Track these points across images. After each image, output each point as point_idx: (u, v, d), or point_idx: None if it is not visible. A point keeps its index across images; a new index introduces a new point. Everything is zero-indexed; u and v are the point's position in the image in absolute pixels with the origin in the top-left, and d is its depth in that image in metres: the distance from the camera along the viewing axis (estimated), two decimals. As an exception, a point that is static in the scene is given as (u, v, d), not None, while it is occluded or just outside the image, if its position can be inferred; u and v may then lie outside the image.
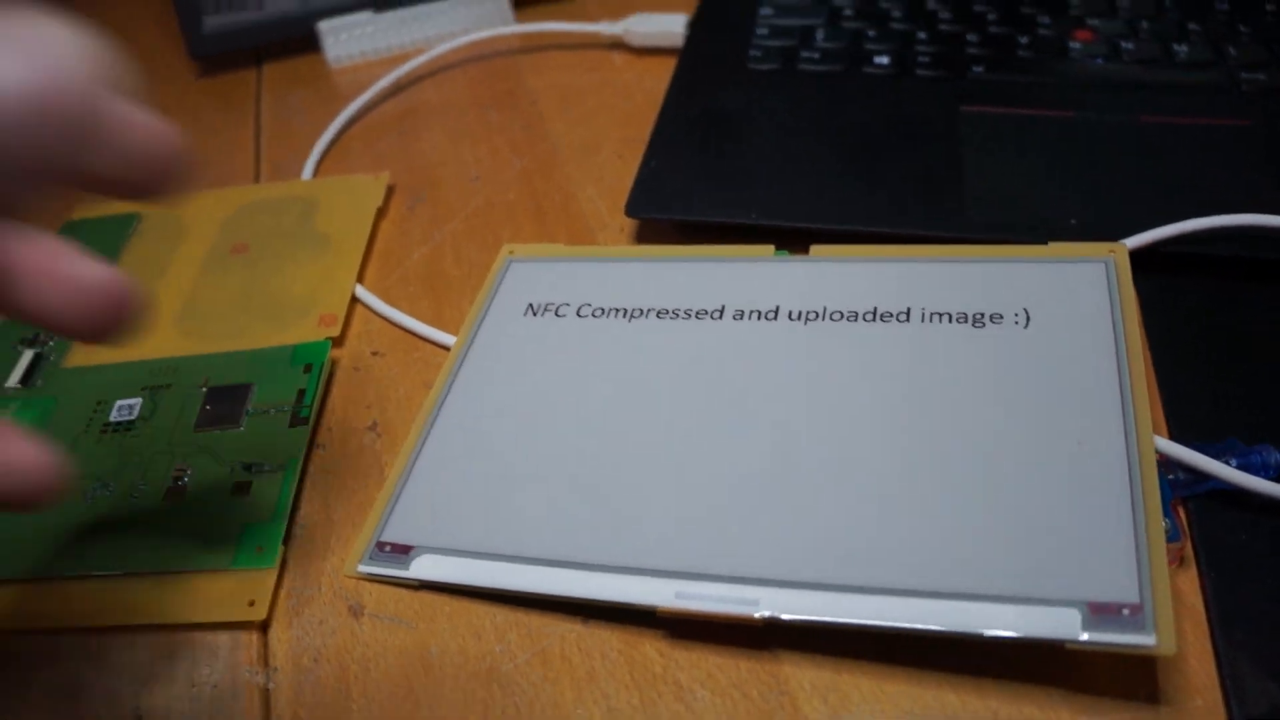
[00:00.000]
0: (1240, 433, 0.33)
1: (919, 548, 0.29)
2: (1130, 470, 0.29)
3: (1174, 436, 0.33)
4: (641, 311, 0.36)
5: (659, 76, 0.50)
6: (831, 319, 0.35)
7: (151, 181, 0.26)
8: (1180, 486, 0.32)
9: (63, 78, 0.23)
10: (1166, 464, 0.32)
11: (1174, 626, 0.26)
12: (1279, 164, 0.40)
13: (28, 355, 0.40)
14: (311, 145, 0.49)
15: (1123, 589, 0.27)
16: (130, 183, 0.25)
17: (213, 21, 0.53)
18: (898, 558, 0.29)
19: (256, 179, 0.48)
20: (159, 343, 0.40)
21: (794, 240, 0.39)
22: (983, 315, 0.34)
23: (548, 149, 0.47)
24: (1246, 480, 0.31)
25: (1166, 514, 0.30)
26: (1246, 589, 0.30)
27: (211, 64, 0.56)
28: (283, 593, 0.32)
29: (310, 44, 0.55)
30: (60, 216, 0.47)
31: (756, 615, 0.28)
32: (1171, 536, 0.30)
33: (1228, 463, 0.32)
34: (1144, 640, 0.26)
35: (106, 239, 0.45)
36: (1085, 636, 0.26)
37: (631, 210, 0.40)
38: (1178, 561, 0.31)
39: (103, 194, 0.25)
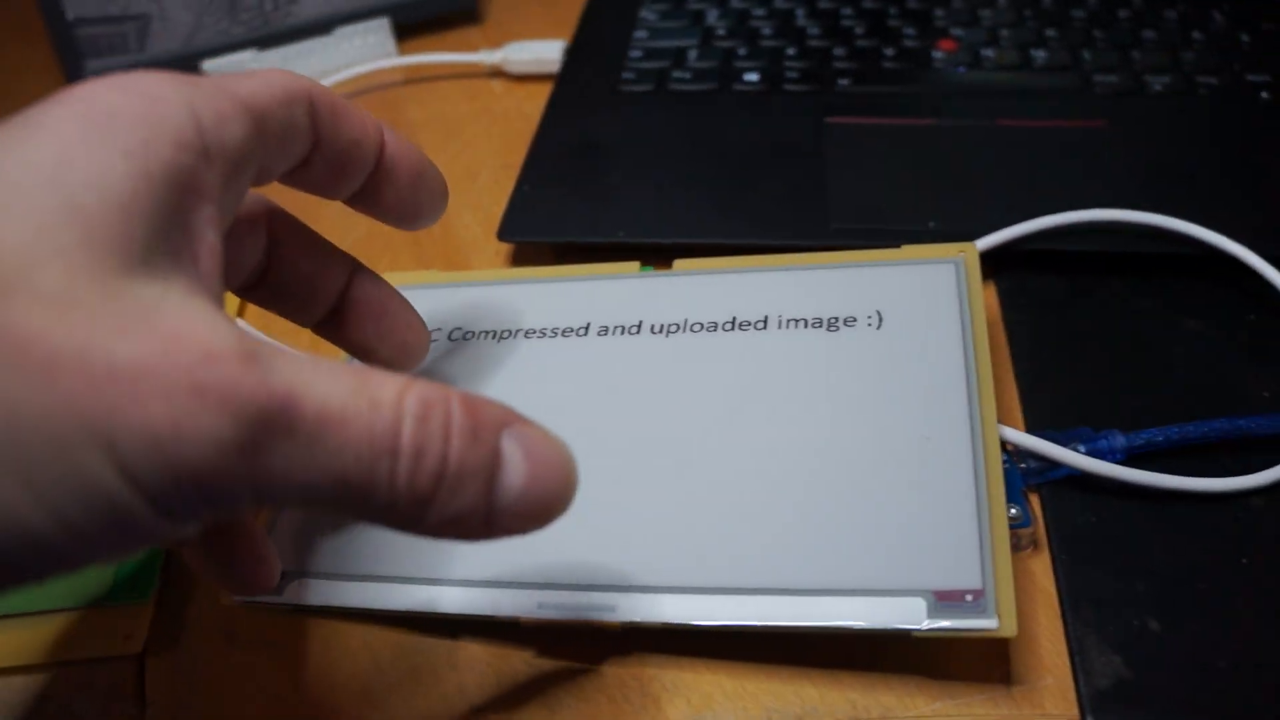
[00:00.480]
0: (1094, 420, 0.34)
1: (773, 547, 0.29)
2: (975, 461, 0.30)
3: (1030, 427, 0.35)
4: (510, 332, 0.37)
5: (537, 102, 0.51)
6: (691, 330, 0.36)
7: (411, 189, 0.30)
8: (1032, 474, 0.33)
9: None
10: (1018, 454, 0.33)
11: (1014, 609, 0.27)
12: (1130, 162, 0.42)
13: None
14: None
15: (966, 576, 0.28)
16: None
17: (95, 65, 0.53)
18: (751, 558, 0.29)
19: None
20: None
21: (662, 256, 0.40)
22: (837, 319, 0.35)
23: (428, 178, 0.47)
24: (1093, 465, 0.32)
25: (1017, 501, 0.32)
26: (1094, 569, 0.31)
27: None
28: (158, 625, 0.32)
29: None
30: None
31: (615, 621, 0.29)
32: (1023, 523, 0.31)
33: (1076, 449, 0.33)
34: (986, 624, 0.27)
35: None
36: (928, 624, 0.27)
37: (504, 234, 0.41)
38: (1031, 547, 0.32)
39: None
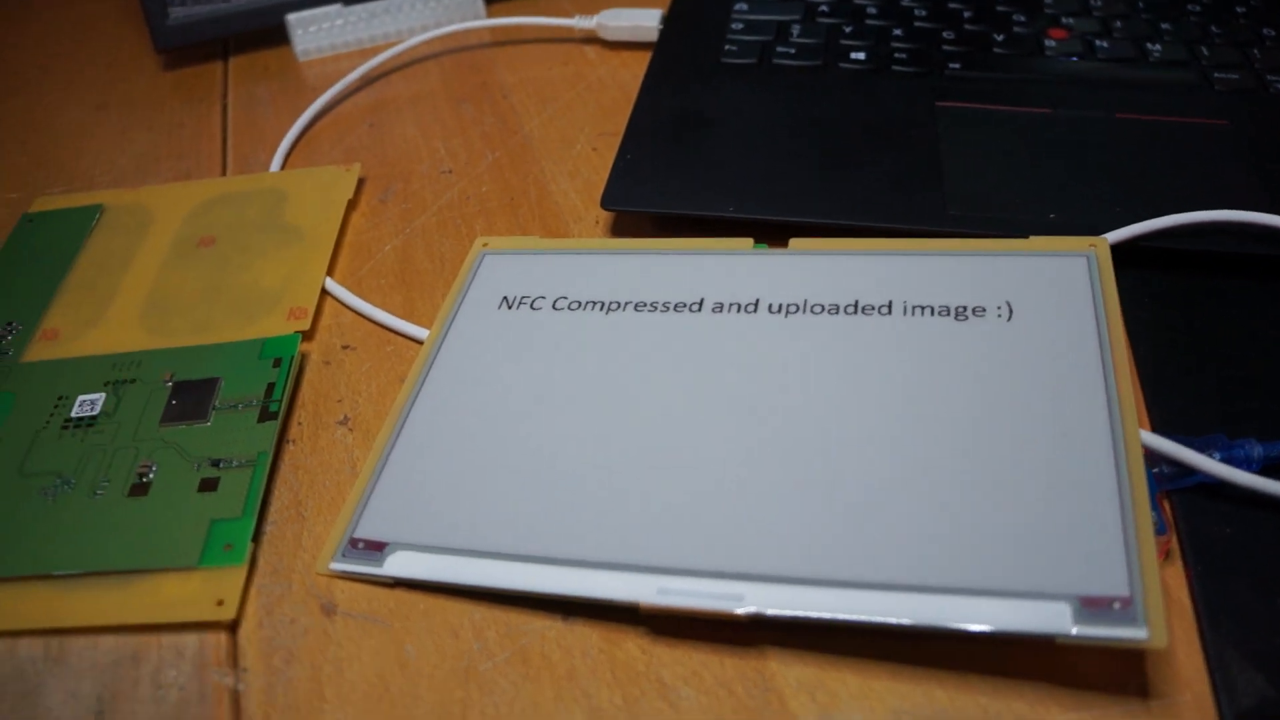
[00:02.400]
0: (1219, 425, 0.33)
1: (905, 542, 0.28)
2: (1117, 464, 0.29)
3: (1156, 430, 0.33)
4: (619, 304, 0.36)
5: (633, 71, 0.50)
6: (812, 312, 0.34)
7: None
8: (1165, 480, 0.32)
9: None
10: (1151, 457, 0.32)
11: (1164, 619, 0.26)
12: (1257, 162, 0.41)
13: (-16, 349, 0.39)
14: (280, 138, 0.48)
15: (1113, 582, 0.27)
16: None
17: (179, 13, 0.52)
18: (884, 552, 0.28)
19: (224, 172, 0.47)
20: (122, 336, 0.39)
21: (772, 234, 0.39)
22: (965, 308, 0.34)
23: (521, 142, 0.46)
24: (1231, 474, 0.31)
25: (1153, 507, 0.30)
26: (1232, 582, 0.30)
27: (177, 57, 0.55)
28: (252, 591, 0.31)
29: (278, 37, 0.54)
30: (21, 209, 0.45)
31: (741, 611, 0.28)
32: (1158, 530, 0.30)
33: (1212, 456, 0.32)
34: (1135, 634, 0.25)
35: (69, 230, 0.44)
36: (1076, 630, 0.26)
37: (607, 202, 0.40)
38: (1164, 555, 0.31)
39: None
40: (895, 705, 0.27)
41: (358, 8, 0.53)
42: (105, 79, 0.54)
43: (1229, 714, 0.27)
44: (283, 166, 0.46)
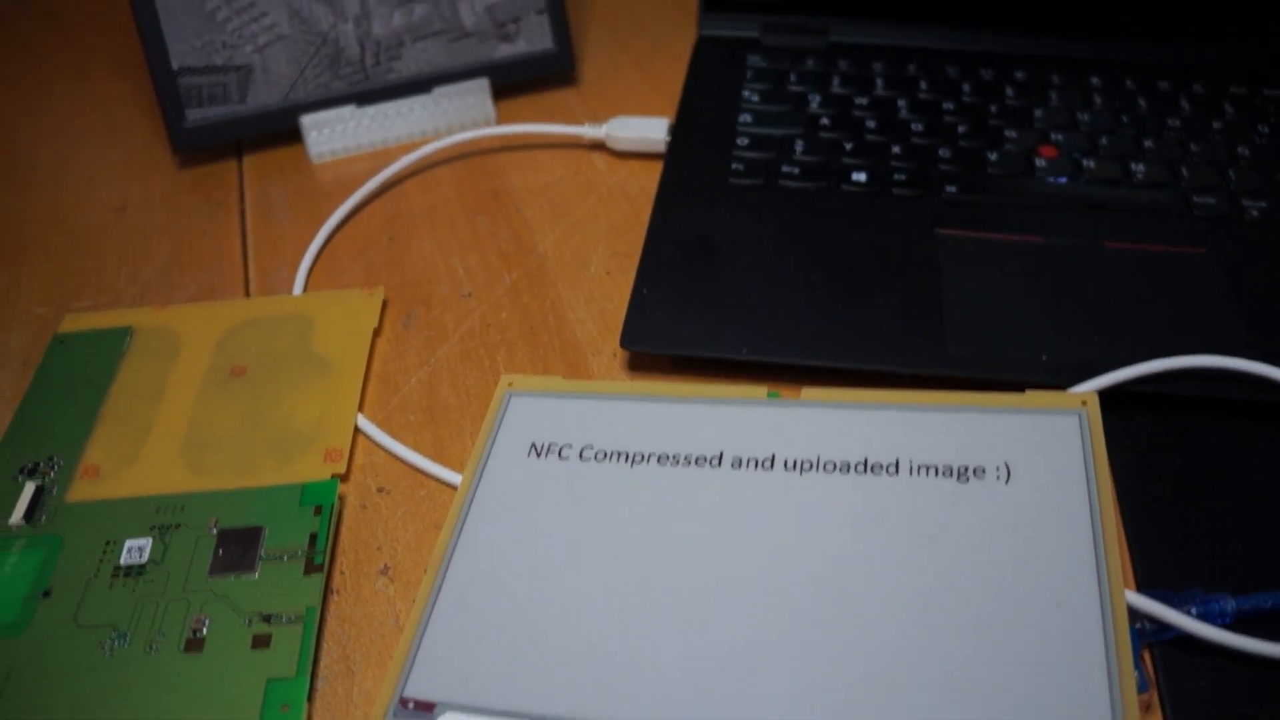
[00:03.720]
0: (1201, 572, 0.36)
1: (910, 704, 0.31)
2: (1105, 629, 0.32)
3: (1139, 581, 0.36)
4: (642, 456, 0.38)
5: (642, 182, 0.52)
6: (825, 470, 0.37)
7: None
8: (1147, 634, 0.35)
9: None
10: (1133, 614, 0.35)
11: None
12: (1232, 294, 0.43)
13: (29, 488, 0.40)
14: (300, 251, 0.50)
15: (1102, 750, 0.29)
16: None
17: (195, 115, 0.53)
18: (889, 710, 0.31)
19: (246, 289, 0.48)
20: (163, 474, 0.40)
21: (784, 375, 0.41)
22: (967, 469, 0.36)
23: (536, 262, 0.48)
24: (1206, 630, 0.34)
25: (1136, 665, 0.33)
26: (1209, 735, 0.33)
27: (192, 154, 0.57)
28: (309, 738, 0.33)
29: (291, 136, 0.55)
30: (51, 329, 0.47)
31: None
32: (1140, 687, 0.33)
33: (1189, 612, 0.34)
34: (1123, 804, 0.28)
35: (101, 355, 0.45)
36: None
37: (626, 343, 0.42)
38: (1145, 710, 0.34)
39: None
40: None
41: (370, 109, 0.55)
42: (124, 174, 0.56)
43: None
44: (305, 284, 0.48)
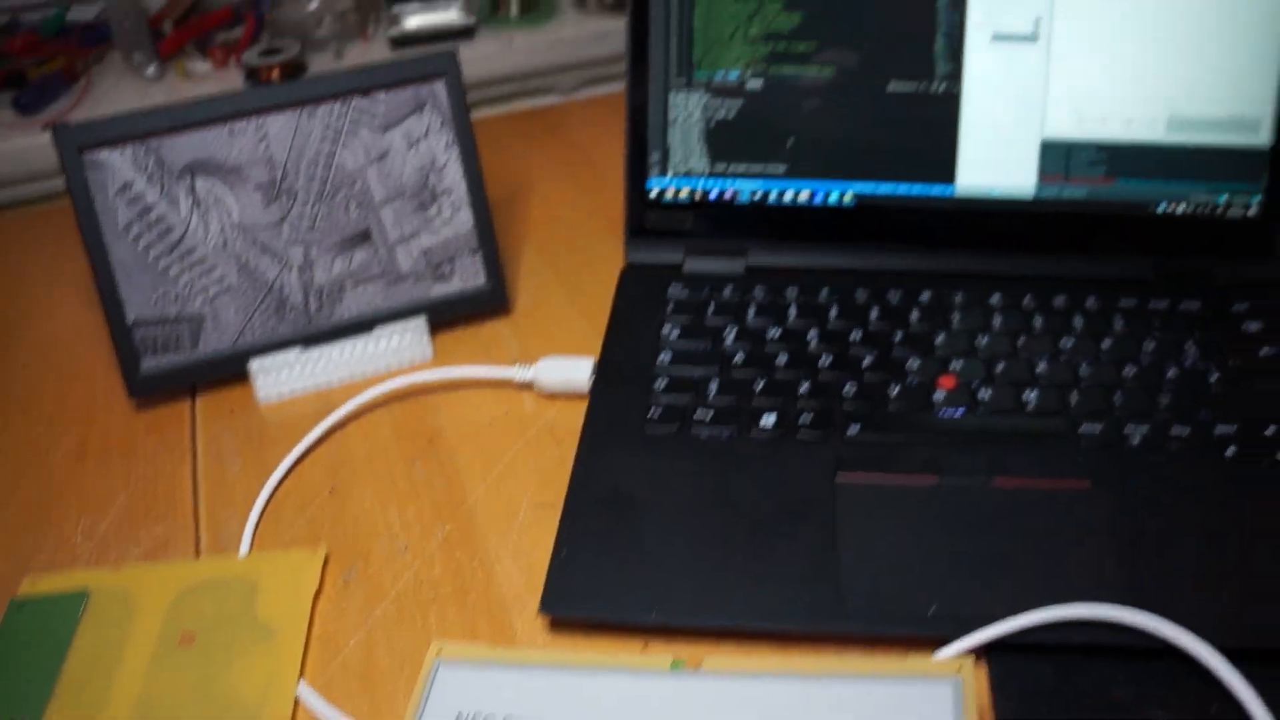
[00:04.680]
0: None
1: None
2: None
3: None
4: (557, 732, 0.41)
5: (570, 422, 0.55)
6: (722, 748, 0.40)
7: None
8: None
9: None
10: None
11: None
12: (1113, 532, 0.47)
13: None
14: (249, 502, 0.53)
15: None
16: None
17: (150, 363, 0.57)
18: None
19: (197, 543, 0.52)
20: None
21: (691, 636, 0.45)
22: (853, 743, 0.39)
23: (468, 514, 0.52)
24: None
25: None
26: None
27: (148, 397, 0.60)
28: None
29: (242, 375, 0.59)
30: (10, 586, 0.50)
31: None
32: None
33: None
34: None
35: (57, 620, 0.48)
36: None
37: (545, 607, 0.45)
38: None
39: None
40: None
41: (314, 351, 0.58)
42: (83, 416, 0.59)
43: None
44: (253, 540, 0.51)
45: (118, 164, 0.55)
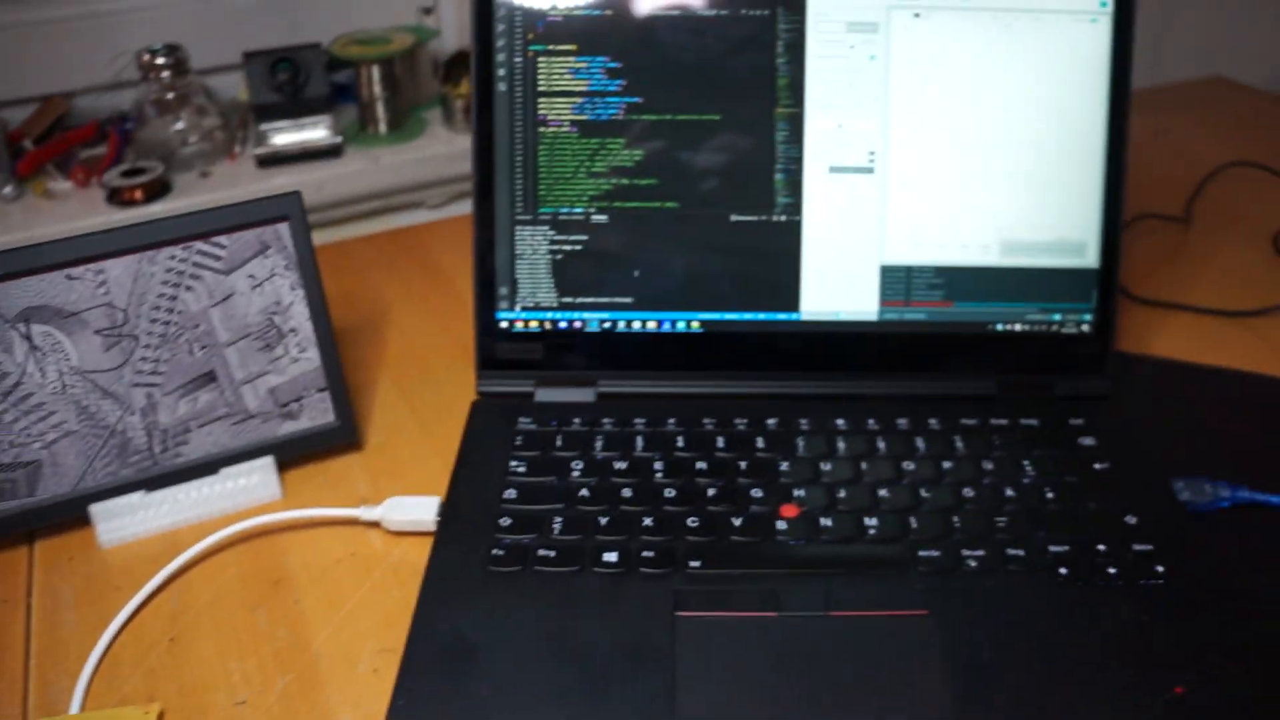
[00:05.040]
0: None
1: None
2: None
3: None
4: None
5: (415, 561, 0.55)
6: None
7: None
8: None
9: None
10: None
11: None
12: (949, 658, 0.48)
13: None
14: (84, 655, 0.51)
15: None
16: None
17: (-15, 511, 0.56)
18: None
19: (24, 709, 0.49)
20: None
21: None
22: None
23: (309, 662, 0.50)
24: None
25: None
26: None
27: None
28: None
29: (83, 519, 0.57)
30: None
31: None
32: None
33: None
34: None
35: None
36: None
37: (379, 766, 0.45)
38: None
39: None
40: None
41: (159, 494, 0.57)
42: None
43: None
44: (85, 698, 0.49)
45: (-51, 311, 0.54)
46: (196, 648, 0.52)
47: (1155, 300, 0.76)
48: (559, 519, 0.55)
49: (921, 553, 0.53)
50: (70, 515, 0.57)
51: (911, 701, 0.46)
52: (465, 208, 1.03)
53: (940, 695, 0.46)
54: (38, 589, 0.56)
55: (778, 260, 0.64)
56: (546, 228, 0.63)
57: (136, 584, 0.55)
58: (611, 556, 0.53)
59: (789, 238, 0.63)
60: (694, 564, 0.53)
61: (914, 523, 0.55)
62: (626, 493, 0.57)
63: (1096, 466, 0.59)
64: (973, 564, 0.53)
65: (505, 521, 0.55)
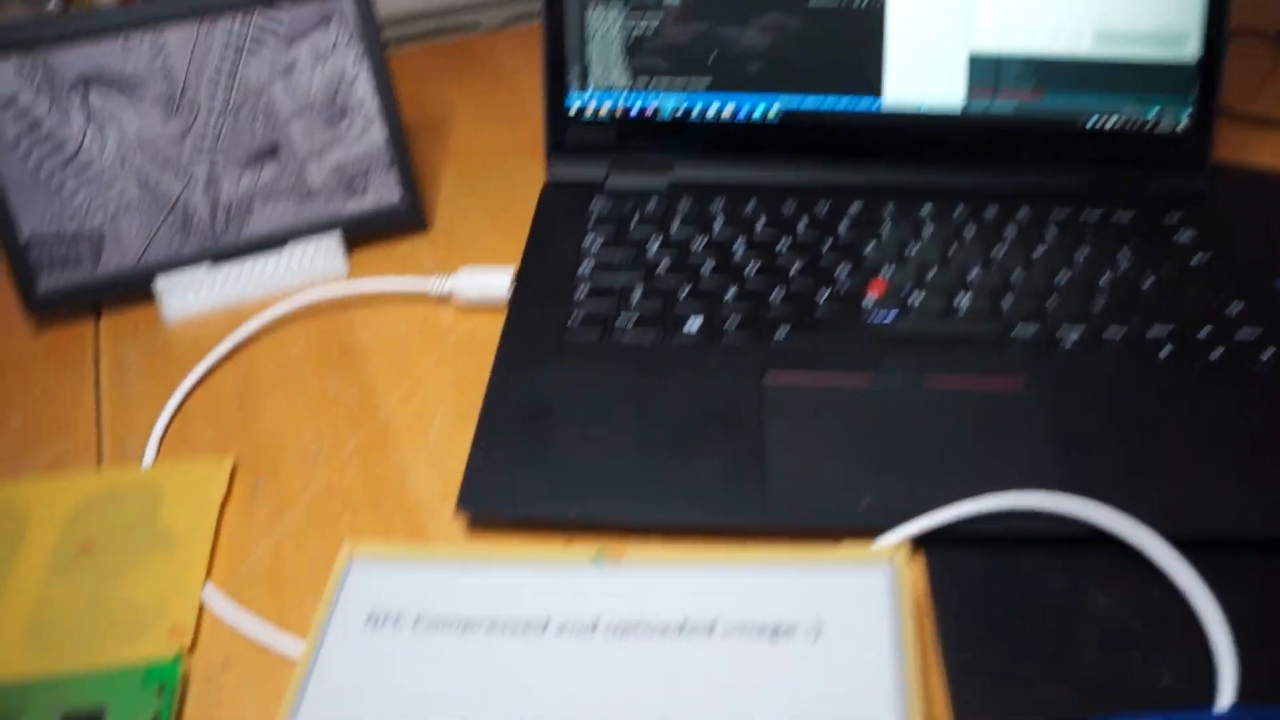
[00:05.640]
0: (1016, 704, 0.38)
1: None
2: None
3: (958, 714, 0.38)
4: (474, 623, 0.39)
5: (488, 333, 0.53)
6: (645, 633, 0.38)
7: None
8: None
9: None
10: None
11: None
12: (1047, 427, 0.46)
13: None
14: (154, 416, 0.50)
15: None
16: None
17: (48, 281, 0.54)
18: None
19: (99, 456, 0.49)
20: (8, 658, 0.41)
21: (614, 532, 0.43)
22: (779, 627, 0.38)
23: (381, 423, 0.49)
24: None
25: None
26: None
27: (49, 316, 0.57)
28: None
29: (147, 295, 0.56)
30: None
31: None
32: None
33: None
34: None
35: (-54, 539, 0.46)
36: None
37: (463, 504, 0.43)
38: None
39: None
40: None
41: (223, 268, 0.56)
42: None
43: None
44: (157, 452, 0.49)
45: (1, 76, 0.53)
46: (267, 409, 0.51)
47: (1254, 115, 0.73)
48: (637, 290, 0.53)
49: (1016, 330, 0.51)
50: (135, 289, 0.56)
51: (1011, 466, 0.44)
52: (525, 26, 1.00)
53: (1040, 461, 0.44)
54: (105, 359, 0.55)
55: (860, 44, 0.60)
56: (619, 6, 0.60)
57: (203, 353, 0.54)
58: (694, 326, 0.51)
59: (873, 20, 0.60)
60: (780, 333, 0.51)
61: (1006, 302, 0.52)
62: (707, 268, 0.55)
63: (1195, 260, 0.56)
64: (1070, 343, 0.50)
65: (582, 293, 0.53)
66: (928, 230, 0.57)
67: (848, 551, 0.40)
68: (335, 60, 0.57)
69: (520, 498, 0.44)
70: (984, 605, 0.41)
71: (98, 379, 0.54)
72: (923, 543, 0.43)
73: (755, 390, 0.48)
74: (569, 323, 0.52)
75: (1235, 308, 0.52)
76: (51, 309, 0.55)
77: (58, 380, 0.54)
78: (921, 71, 0.61)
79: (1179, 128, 0.61)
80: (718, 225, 0.58)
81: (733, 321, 0.51)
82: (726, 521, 0.43)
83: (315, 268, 0.57)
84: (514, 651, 0.38)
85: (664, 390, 0.48)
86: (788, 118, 0.61)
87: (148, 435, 0.50)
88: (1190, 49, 0.60)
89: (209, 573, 0.44)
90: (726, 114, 0.61)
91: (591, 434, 0.46)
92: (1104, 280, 0.54)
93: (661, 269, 0.55)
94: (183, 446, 0.49)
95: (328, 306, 0.57)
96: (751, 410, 0.47)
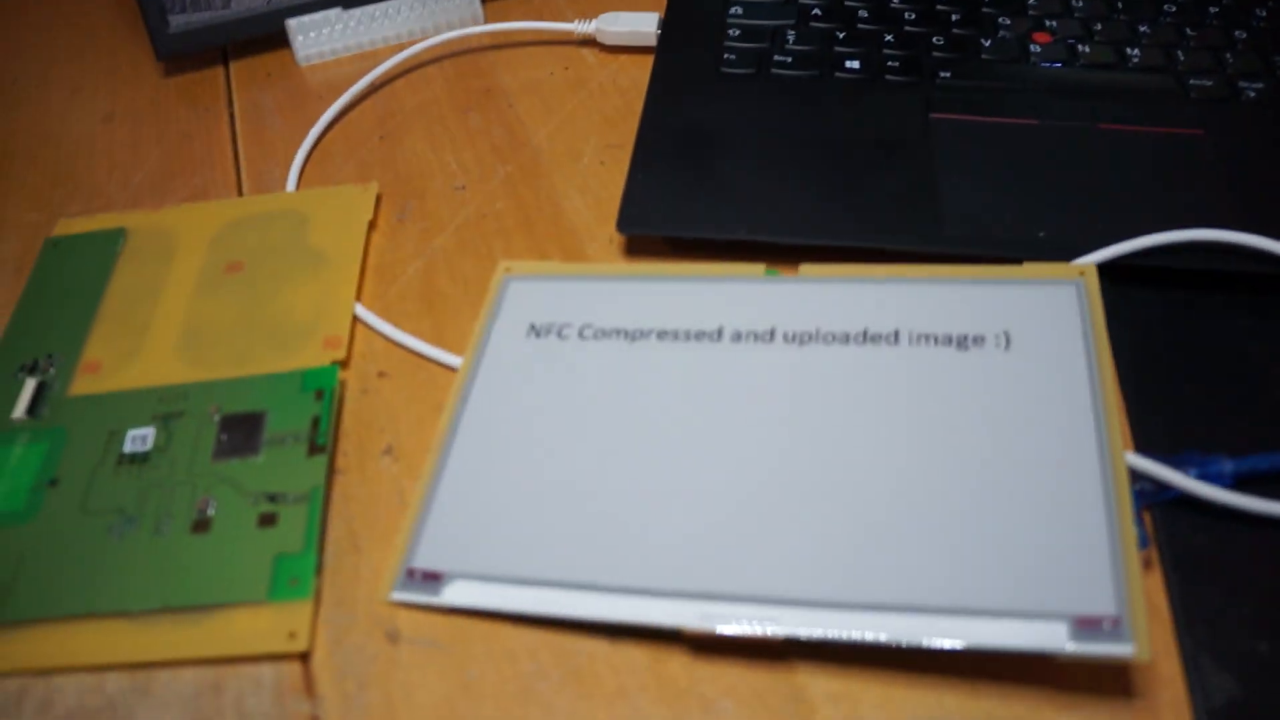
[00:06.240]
0: (1199, 440, 0.36)
1: (918, 567, 0.31)
2: (1105, 488, 0.32)
3: (1138, 445, 0.36)
4: (643, 333, 0.38)
5: (633, 75, 0.51)
6: (824, 341, 0.37)
7: None
8: (1146, 495, 0.35)
9: None
10: (1133, 475, 0.35)
11: (1148, 634, 0.29)
12: (1228, 172, 0.43)
13: (30, 384, 0.40)
14: (292, 151, 0.49)
15: (1104, 602, 0.30)
16: None
17: (179, 21, 0.53)
18: (899, 577, 0.31)
19: (239, 190, 0.48)
20: (164, 367, 0.41)
21: (782, 256, 0.41)
22: (966, 338, 0.36)
23: (530, 155, 0.48)
24: (1205, 489, 0.34)
25: (1136, 523, 0.34)
26: (1206, 589, 0.33)
27: (178, 63, 0.56)
28: (320, 622, 0.34)
29: (277, 41, 0.55)
30: (43, 234, 0.47)
31: (775, 633, 0.31)
32: (1140, 544, 0.33)
33: (1188, 473, 0.35)
34: (1124, 650, 0.29)
35: (95, 257, 0.45)
36: (1071, 648, 0.29)
37: (623, 226, 0.42)
38: (1145, 566, 0.34)
39: None
40: (912, 712, 0.31)
41: (356, 11, 0.54)
42: (108, 86, 0.55)
43: (1202, 711, 0.31)
44: (298, 184, 0.48)
45: None
46: (409, 143, 0.49)
47: None
48: (792, 32, 0.51)
49: (1193, 81, 0.48)
50: (265, 30, 0.54)
51: (1192, 205, 0.42)
52: None
53: (1223, 203, 0.42)
54: (239, 99, 0.53)
55: None
56: None
57: (339, 92, 0.52)
58: (854, 64, 0.49)
59: None
60: (944, 75, 0.48)
61: (1181, 56, 0.49)
62: (863, 13, 0.52)
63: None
64: (1251, 95, 0.47)
65: (734, 32, 0.51)
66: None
67: (1035, 269, 0.38)
68: None
69: (683, 220, 0.42)
70: (1164, 338, 0.40)
71: (232, 117, 0.52)
72: (1102, 274, 0.41)
73: (921, 125, 0.46)
74: (724, 57, 0.49)
75: None
76: (181, 49, 0.54)
77: (192, 121, 0.52)
78: None
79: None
80: (872, -27, 0.54)
81: (894, 63, 0.49)
82: (902, 246, 0.41)
83: (449, 12, 0.55)
84: (688, 357, 0.37)
85: (827, 119, 0.46)
86: None
87: (288, 168, 0.49)
88: None
89: (359, 294, 0.43)
90: None
91: (754, 159, 0.44)
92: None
93: (815, 13, 0.52)
94: (324, 177, 0.48)
95: (466, 49, 0.55)
96: (919, 143, 0.45)
